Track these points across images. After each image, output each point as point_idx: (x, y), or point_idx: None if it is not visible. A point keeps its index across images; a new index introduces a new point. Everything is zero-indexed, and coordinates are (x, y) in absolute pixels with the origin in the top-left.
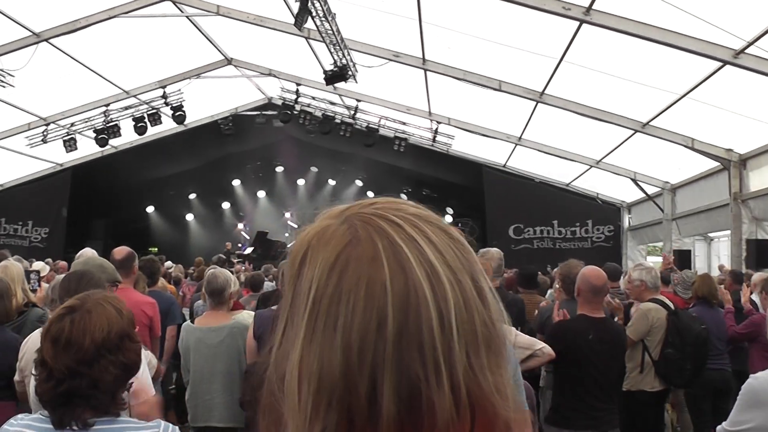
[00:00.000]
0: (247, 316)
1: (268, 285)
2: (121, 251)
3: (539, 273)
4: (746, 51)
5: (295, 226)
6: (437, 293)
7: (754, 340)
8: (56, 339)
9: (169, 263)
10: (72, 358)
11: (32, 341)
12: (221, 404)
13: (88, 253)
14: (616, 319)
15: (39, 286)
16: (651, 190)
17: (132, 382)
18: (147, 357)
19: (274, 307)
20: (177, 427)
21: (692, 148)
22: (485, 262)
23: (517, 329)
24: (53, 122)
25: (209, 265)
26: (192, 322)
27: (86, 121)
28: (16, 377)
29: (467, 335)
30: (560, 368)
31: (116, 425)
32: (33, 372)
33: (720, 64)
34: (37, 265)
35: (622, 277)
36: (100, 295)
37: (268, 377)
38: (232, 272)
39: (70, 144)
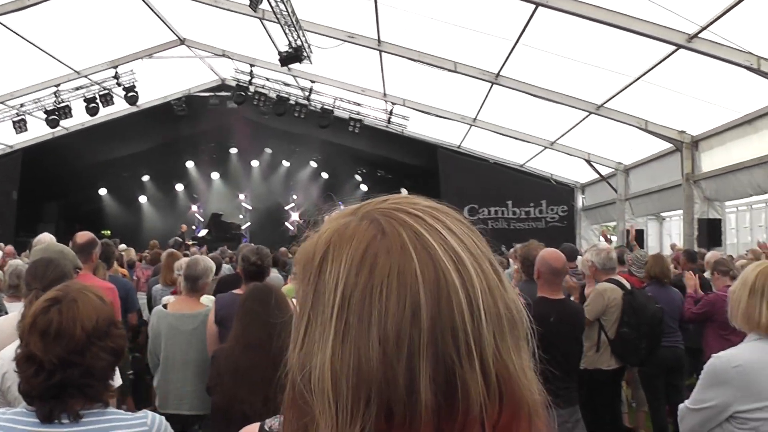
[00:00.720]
0: (207, 301)
1: (226, 268)
2: (83, 236)
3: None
4: (700, 35)
5: (249, 207)
6: (465, 279)
7: (709, 319)
8: (45, 331)
9: (122, 246)
10: (63, 349)
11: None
12: (192, 392)
13: (46, 238)
14: (572, 298)
15: None
16: (605, 170)
17: None
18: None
19: (235, 291)
20: (163, 418)
21: (646, 130)
22: None
23: None
24: (2, 102)
25: (164, 249)
26: (149, 307)
27: (36, 102)
28: None
29: (493, 319)
30: None
31: (104, 417)
32: (15, 369)
33: (674, 47)
34: None
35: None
36: (79, 285)
37: (290, 380)
38: (187, 255)
39: (20, 125)
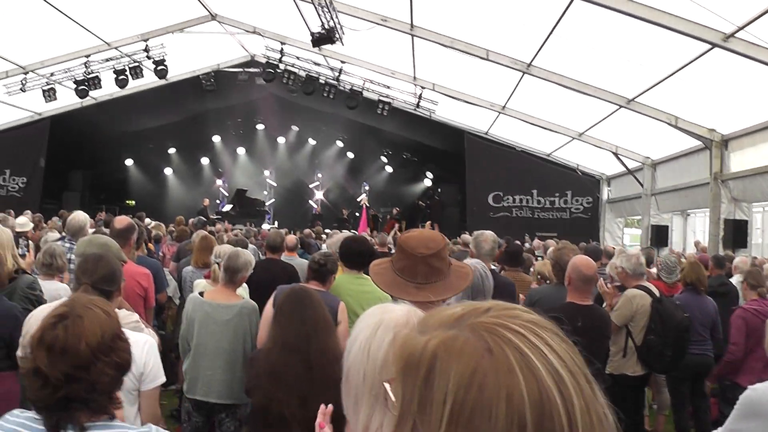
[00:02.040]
0: (242, 291)
1: (251, 248)
2: (122, 221)
3: (522, 248)
4: (736, 35)
5: (274, 184)
6: (565, 398)
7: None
8: (51, 347)
9: (148, 221)
10: (68, 364)
11: (36, 317)
12: (222, 381)
13: (80, 217)
14: (604, 304)
15: (28, 251)
16: (632, 164)
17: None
18: (152, 336)
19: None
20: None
21: (675, 126)
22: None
23: None
24: (32, 71)
25: (189, 226)
26: (180, 288)
27: (66, 72)
28: (20, 353)
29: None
30: None
31: (110, 429)
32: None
33: (709, 46)
34: (21, 220)
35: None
36: (85, 300)
37: None
38: (212, 233)
39: (49, 94)
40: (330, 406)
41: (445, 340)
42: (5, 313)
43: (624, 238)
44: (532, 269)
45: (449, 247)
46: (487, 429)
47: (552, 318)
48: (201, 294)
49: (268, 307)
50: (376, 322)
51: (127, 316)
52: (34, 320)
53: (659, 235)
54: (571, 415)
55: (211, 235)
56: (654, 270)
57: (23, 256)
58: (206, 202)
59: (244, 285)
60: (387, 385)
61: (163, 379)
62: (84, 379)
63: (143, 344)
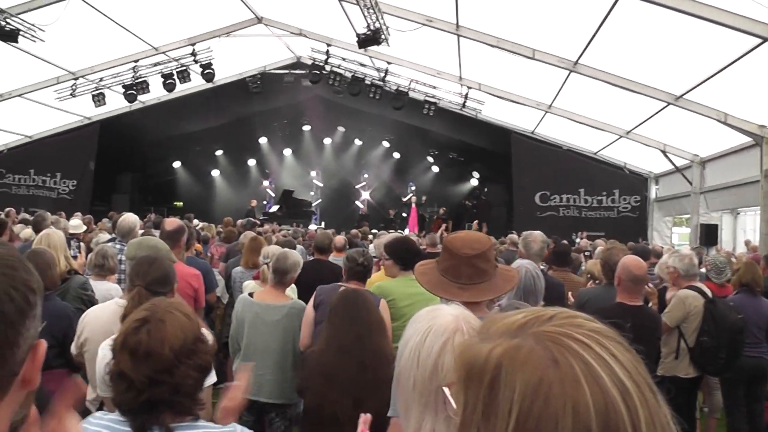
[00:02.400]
0: (291, 292)
1: (299, 249)
2: (172, 222)
3: (570, 247)
4: None
5: (320, 184)
6: (630, 409)
7: None
8: (134, 351)
9: (196, 222)
10: (152, 369)
11: (91, 317)
12: (272, 381)
13: (129, 218)
14: (650, 304)
15: (79, 252)
16: (680, 162)
17: None
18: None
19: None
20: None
21: (725, 123)
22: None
23: None
24: (82, 77)
25: (237, 227)
26: (228, 288)
27: (115, 77)
28: (74, 350)
29: None
30: None
31: (195, 429)
32: (108, 383)
33: (759, 40)
34: (74, 222)
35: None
36: (166, 303)
37: None
38: (260, 234)
39: (98, 98)
40: (368, 415)
41: (509, 349)
42: (58, 312)
43: (672, 237)
44: (585, 267)
45: (497, 247)
46: None
47: (611, 324)
48: (251, 295)
49: (309, 308)
50: (426, 329)
51: None
52: (91, 319)
53: (708, 234)
54: (637, 427)
55: (259, 236)
56: (703, 270)
57: (75, 257)
58: (254, 203)
59: (293, 285)
60: (446, 390)
61: (214, 378)
62: (167, 383)
63: None
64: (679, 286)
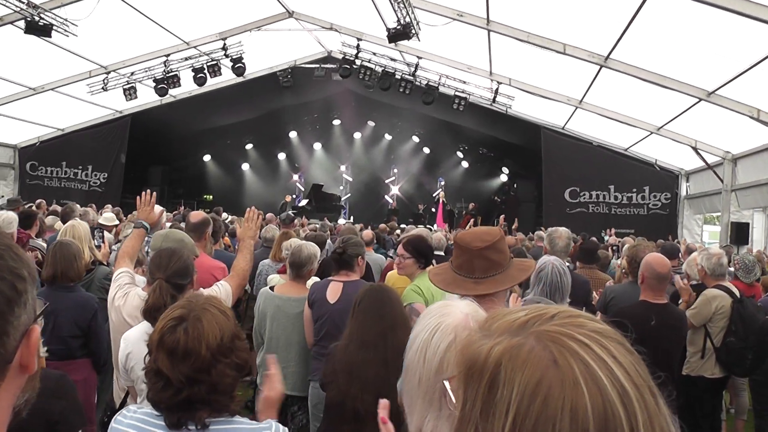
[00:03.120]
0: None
1: (328, 243)
2: (197, 215)
3: (598, 245)
4: None
5: (350, 179)
6: (629, 412)
7: None
8: (172, 350)
9: (225, 215)
10: (190, 368)
11: (134, 338)
12: (294, 373)
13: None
14: (680, 301)
15: (103, 242)
16: (711, 159)
17: None
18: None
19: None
20: (287, 429)
21: (757, 119)
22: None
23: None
24: (114, 71)
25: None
26: (252, 280)
27: (146, 71)
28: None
29: None
30: None
31: (231, 425)
32: (144, 380)
33: None
34: (107, 215)
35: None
36: (202, 300)
37: None
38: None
39: (129, 92)
40: (386, 400)
41: (509, 348)
42: (83, 303)
43: (703, 235)
44: (616, 264)
45: (524, 243)
46: None
47: (617, 325)
48: (272, 288)
49: (306, 308)
50: (435, 326)
51: None
52: (136, 339)
53: (739, 233)
54: (635, 430)
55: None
56: (732, 269)
57: (98, 247)
58: (288, 198)
59: (314, 278)
60: (447, 383)
61: None
62: (205, 381)
63: None
64: (707, 285)
